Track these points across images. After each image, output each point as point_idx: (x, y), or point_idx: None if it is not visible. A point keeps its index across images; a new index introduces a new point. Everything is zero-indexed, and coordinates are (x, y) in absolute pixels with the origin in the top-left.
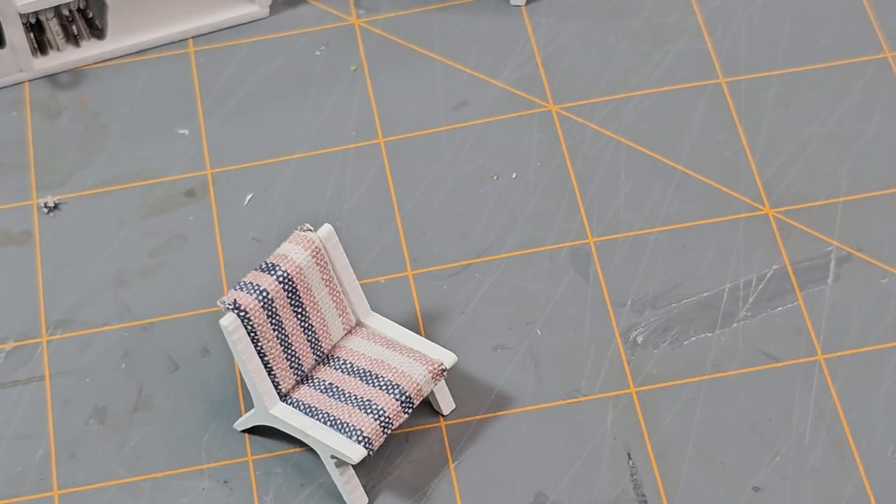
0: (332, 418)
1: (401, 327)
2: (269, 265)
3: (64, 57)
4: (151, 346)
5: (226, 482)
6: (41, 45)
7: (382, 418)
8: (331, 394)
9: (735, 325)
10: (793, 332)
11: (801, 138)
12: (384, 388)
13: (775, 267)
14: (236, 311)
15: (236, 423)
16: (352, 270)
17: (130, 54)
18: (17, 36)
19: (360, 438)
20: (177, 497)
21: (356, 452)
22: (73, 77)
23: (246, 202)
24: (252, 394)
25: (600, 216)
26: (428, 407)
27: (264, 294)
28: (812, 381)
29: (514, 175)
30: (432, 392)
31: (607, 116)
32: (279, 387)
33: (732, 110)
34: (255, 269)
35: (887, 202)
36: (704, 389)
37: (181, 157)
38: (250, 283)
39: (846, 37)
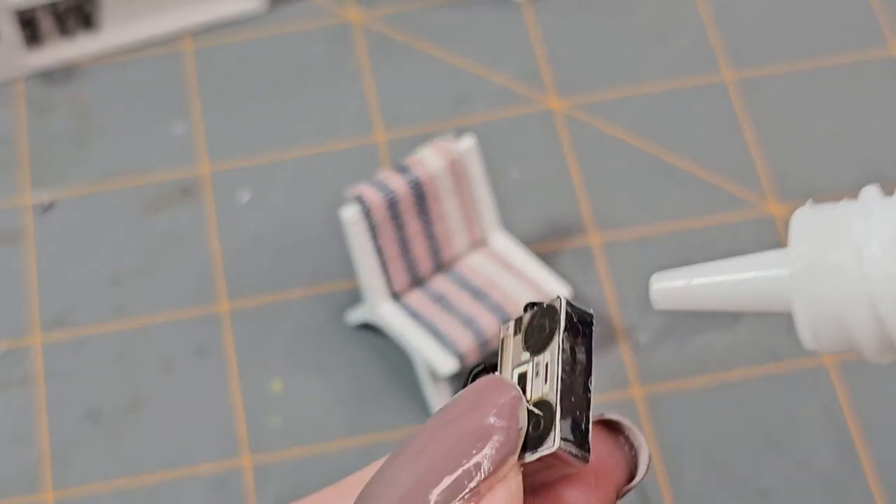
0: (433, 327)
1: (525, 254)
2: (403, 167)
3: (58, 53)
4: (146, 346)
5: (222, 485)
6: (35, 41)
7: (481, 338)
8: (439, 303)
9: (741, 325)
10: None
11: (807, 135)
12: (490, 308)
13: None
14: (360, 205)
15: (349, 316)
16: (488, 187)
17: (126, 51)
18: (10, 31)
19: (455, 352)
20: (173, 499)
21: (446, 365)
22: (67, 74)
23: (244, 201)
24: (364, 289)
25: (603, 214)
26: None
27: (391, 194)
28: (819, 383)
29: (515, 173)
30: None
31: (610, 113)
32: (391, 286)
33: (738, 107)
34: (389, 169)
35: None
36: (709, 390)
37: (177, 154)
38: (380, 180)
39: (853, 33)
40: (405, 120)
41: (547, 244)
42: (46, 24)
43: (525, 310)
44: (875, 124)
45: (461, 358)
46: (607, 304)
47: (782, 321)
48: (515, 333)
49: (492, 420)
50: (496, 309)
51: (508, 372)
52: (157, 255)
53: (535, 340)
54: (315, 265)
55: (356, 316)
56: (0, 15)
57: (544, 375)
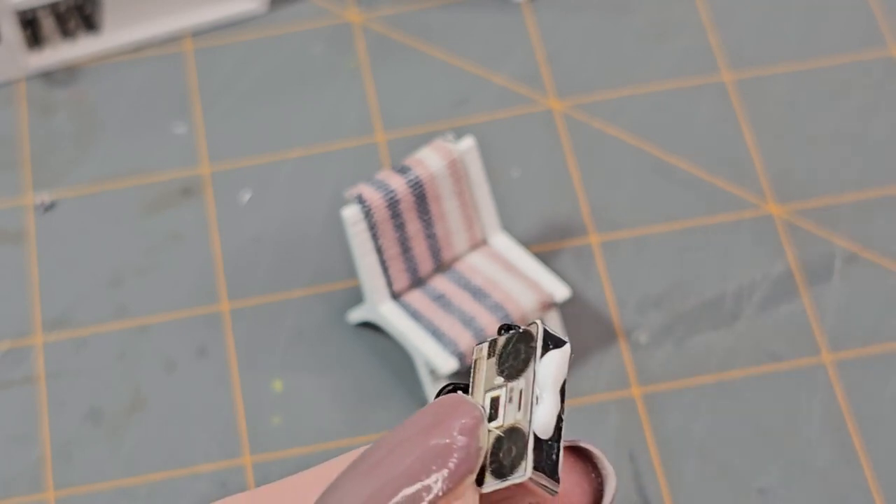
0: (433, 327)
1: (526, 254)
2: (403, 167)
3: (59, 54)
4: (148, 346)
5: (223, 485)
6: (36, 41)
7: (481, 337)
8: (439, 303)
9: (740, 325)
10: (798, 332)
11: (806, 136)
12: (490, 308)
13: (780, 266)
14: (360, 205)
15: (349, 315)
16: (487, 187)
17: (127, 51)
18: (12, 32)
19: (455, 352)
20: (173, 499)
21: (446, 364)
22: (68, 74)
23: (244, 200)
24: (364, 289)
25: (603, 214)
26: None
27: (392, 194)
28: (818, 382)
29: (515, 173)
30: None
31: (610, 113)
32: (392, 286)
33: (737, 107)
34: (390, 169)
35: (895, 201)
36: (709, 390)
37: (178, 154)
38: (380, 180)
39: (852, 33)
40: (405, 120)
41: (547, 244)
42: (47, 24)
43: (499, 332)
44: (875, 124)
45: (461, 357)
46: (607, 304)
47: (781, 320)
48: (489, 356)
49: (452, 438)
50: (496, 309)
51: (480, 395)
52: (158, 255)
53: (510, 365)
54: (315, 265)
55: (356, 315)
56: (1, 16)
57: (518, 402)
